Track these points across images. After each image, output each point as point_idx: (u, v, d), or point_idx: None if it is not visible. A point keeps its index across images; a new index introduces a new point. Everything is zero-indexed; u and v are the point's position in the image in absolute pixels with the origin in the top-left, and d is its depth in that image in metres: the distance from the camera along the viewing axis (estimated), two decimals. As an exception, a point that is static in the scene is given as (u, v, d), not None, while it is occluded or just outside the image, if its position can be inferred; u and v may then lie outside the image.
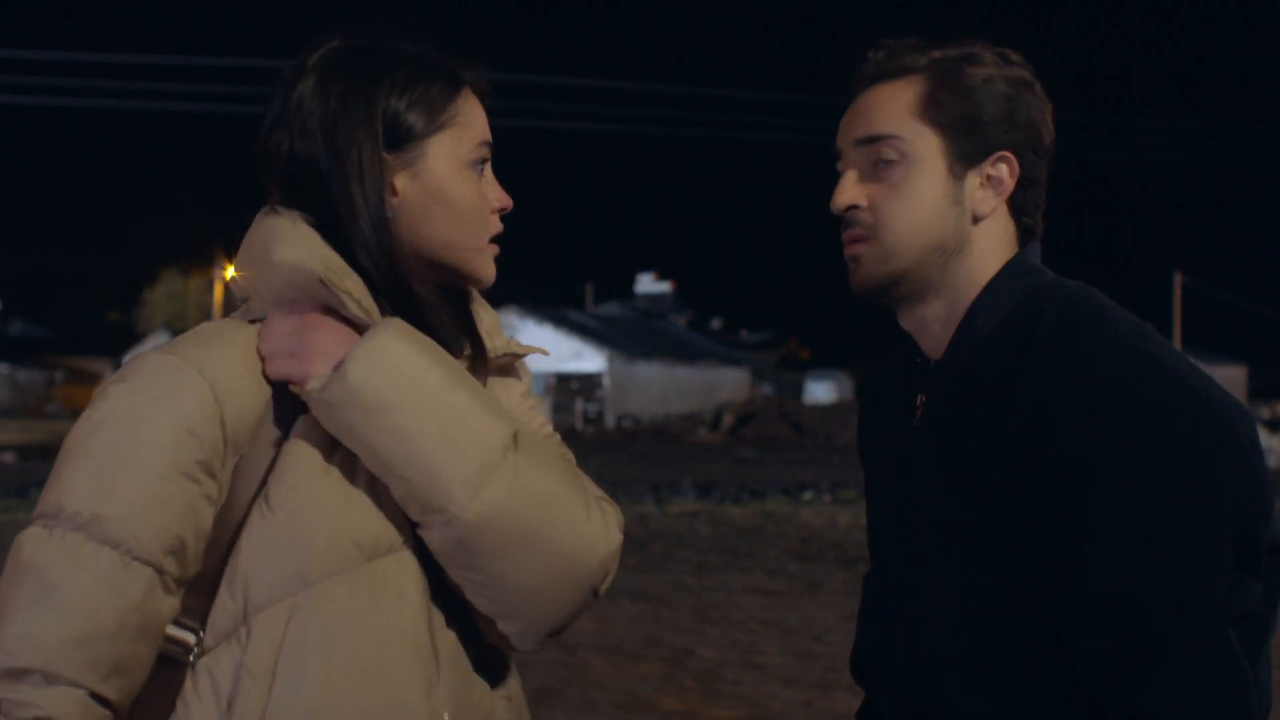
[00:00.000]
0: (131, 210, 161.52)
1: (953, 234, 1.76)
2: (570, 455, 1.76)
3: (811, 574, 12.55)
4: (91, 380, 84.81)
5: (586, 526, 1.66)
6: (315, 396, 1.59)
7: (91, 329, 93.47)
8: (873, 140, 1.76)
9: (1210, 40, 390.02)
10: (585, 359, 63.67)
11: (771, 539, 15.34)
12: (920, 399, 1.81)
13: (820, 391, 72.92)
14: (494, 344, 1.80)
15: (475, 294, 1.83)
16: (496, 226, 1.79)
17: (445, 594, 1.67)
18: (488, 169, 1.78)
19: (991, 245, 1.78)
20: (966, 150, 1.75)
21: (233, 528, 1.62)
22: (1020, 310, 1.73)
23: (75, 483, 1.55)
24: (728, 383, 67.92)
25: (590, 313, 74.49)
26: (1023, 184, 1.78)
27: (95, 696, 1.52)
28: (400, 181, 1.70)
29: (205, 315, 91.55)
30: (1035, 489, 1.61)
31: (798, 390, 72.75)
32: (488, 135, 1.77)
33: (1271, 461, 31.29)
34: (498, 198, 1.78)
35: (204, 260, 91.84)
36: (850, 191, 1.77)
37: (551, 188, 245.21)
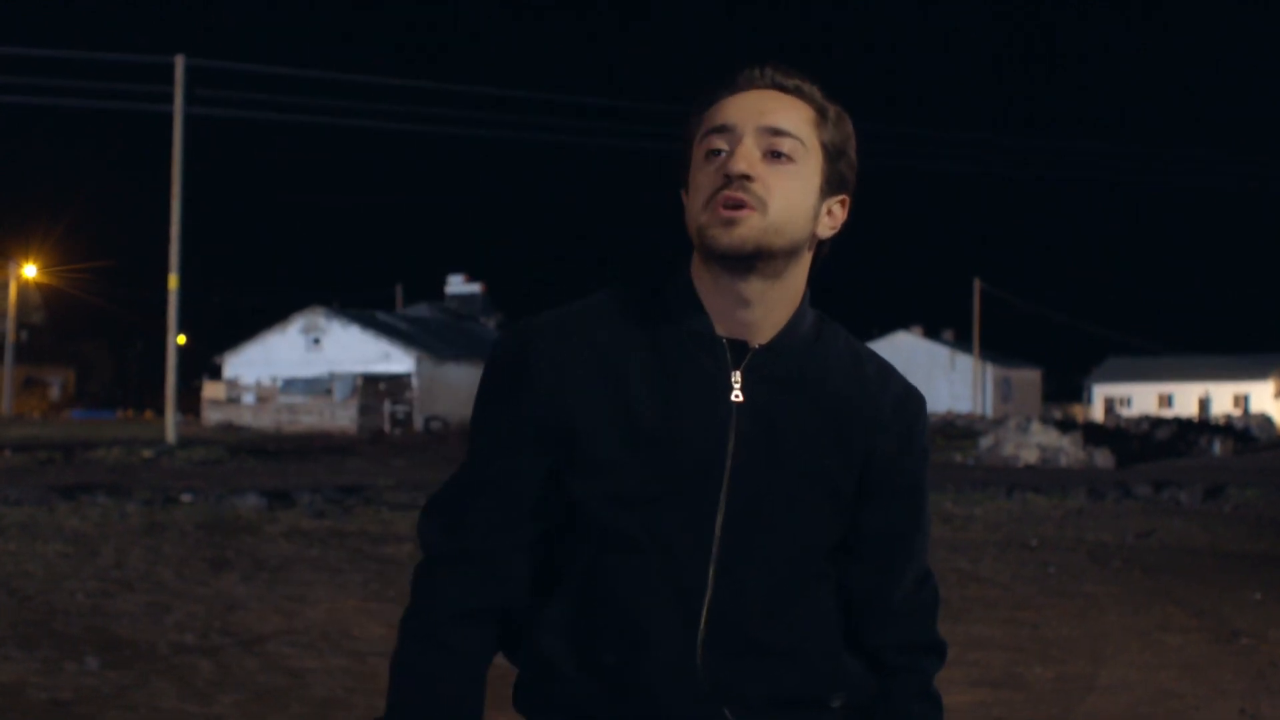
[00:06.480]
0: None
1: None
2: None
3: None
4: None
5: None
6: None
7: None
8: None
9: (1011, 57, 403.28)
10: (393, 360, 63.09)
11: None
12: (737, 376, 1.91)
13: (630, 393, 73.15)
14: None
15: None
16: None
17: None
18: None
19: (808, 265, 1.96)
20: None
21: None
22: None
23: None
24: (538, 385, 67.66)
25: (399, 314, 73.69)
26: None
27: None
28: None
29: (1, 315, 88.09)
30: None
31: (608, 392, 72.80)
32: None
33: (1062, 461, 32.39)
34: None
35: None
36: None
37: (361, 188, 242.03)
